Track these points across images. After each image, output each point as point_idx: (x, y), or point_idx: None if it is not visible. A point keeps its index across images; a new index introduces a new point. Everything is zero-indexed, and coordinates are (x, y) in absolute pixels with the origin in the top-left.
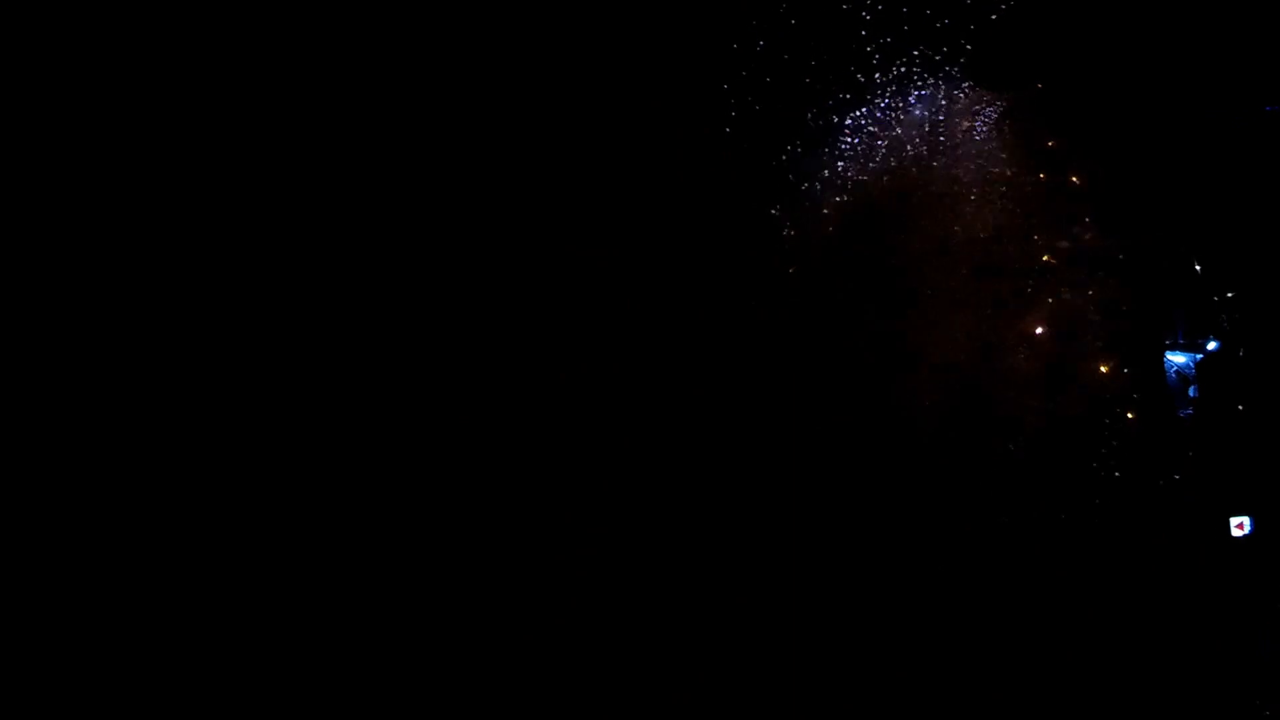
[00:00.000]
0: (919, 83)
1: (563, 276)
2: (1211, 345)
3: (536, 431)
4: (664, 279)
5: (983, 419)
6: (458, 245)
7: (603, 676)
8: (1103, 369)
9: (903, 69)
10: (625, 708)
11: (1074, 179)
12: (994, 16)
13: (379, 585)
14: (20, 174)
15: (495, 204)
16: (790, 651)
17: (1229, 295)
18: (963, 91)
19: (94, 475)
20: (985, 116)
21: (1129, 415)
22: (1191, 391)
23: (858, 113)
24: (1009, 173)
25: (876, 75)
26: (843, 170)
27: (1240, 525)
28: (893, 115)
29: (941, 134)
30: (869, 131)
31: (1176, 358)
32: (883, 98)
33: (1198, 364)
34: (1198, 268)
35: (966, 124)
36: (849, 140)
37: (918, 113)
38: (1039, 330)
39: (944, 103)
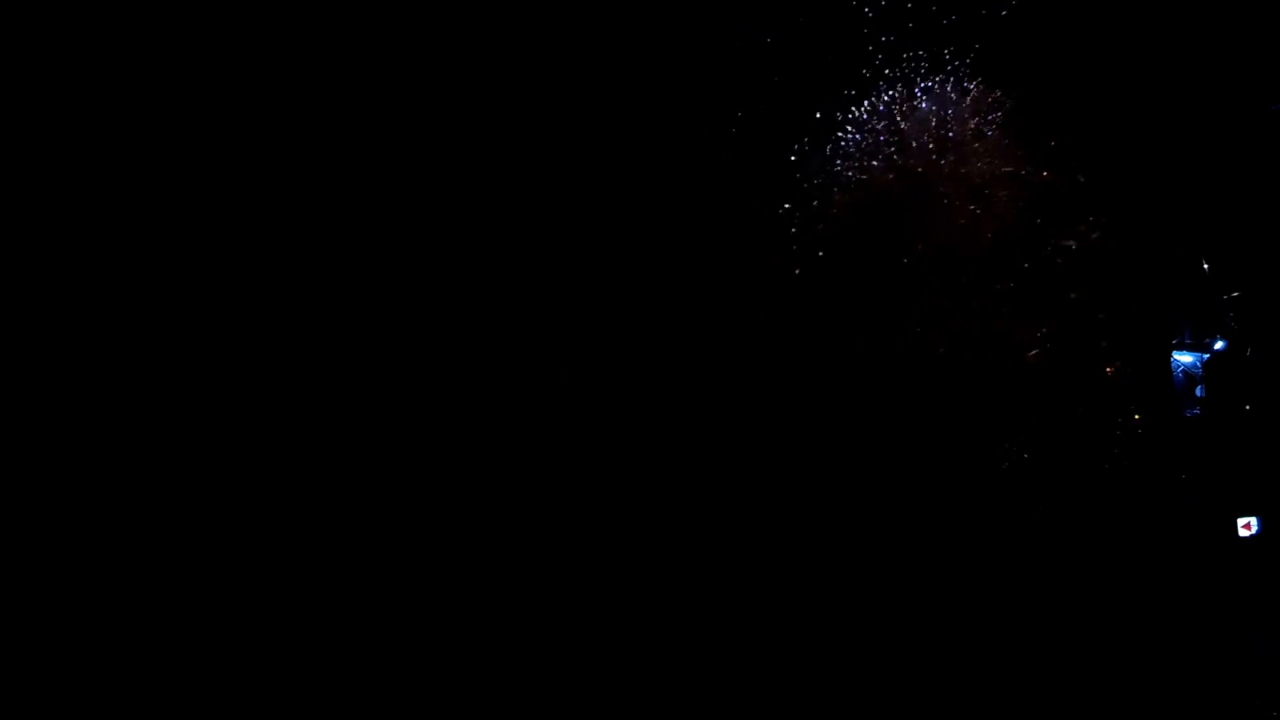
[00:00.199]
0: (924, 81)
1: (563, 276)
2: (1218, 345)
3: (536, 431)
4: (664, 279)
5: (988, 418)
6: (458, 245)
7: (603, 676)
8: (1109, 368)
9: (908, 67)
10: (625, 708)
11: (1080, 178)
12: (1002, 13)
13: (378, 585)
14: (20, 174)
15: (495, 204)
16: (792, 651)
17: (1235, 295)
18: (969, 90)
19: (93, 475)
20: (992, 115)
21: (1135, 415)
22: (1198, 391)
23: (861, 111)
24: (1015, 171)
25: (882, 73)
26: (846, 170)
27: (1247, 525)
28: (897, 114)
29: (947, 133)
30: (873, 130)
31: (1183, 357)
32: (887, 96)
33: (1204, 363)
34: (1205, 266)
35: (973, 123)
36: (852, 139)
37: (923, 111)
38: (1045, 330)
39: (950, 101)
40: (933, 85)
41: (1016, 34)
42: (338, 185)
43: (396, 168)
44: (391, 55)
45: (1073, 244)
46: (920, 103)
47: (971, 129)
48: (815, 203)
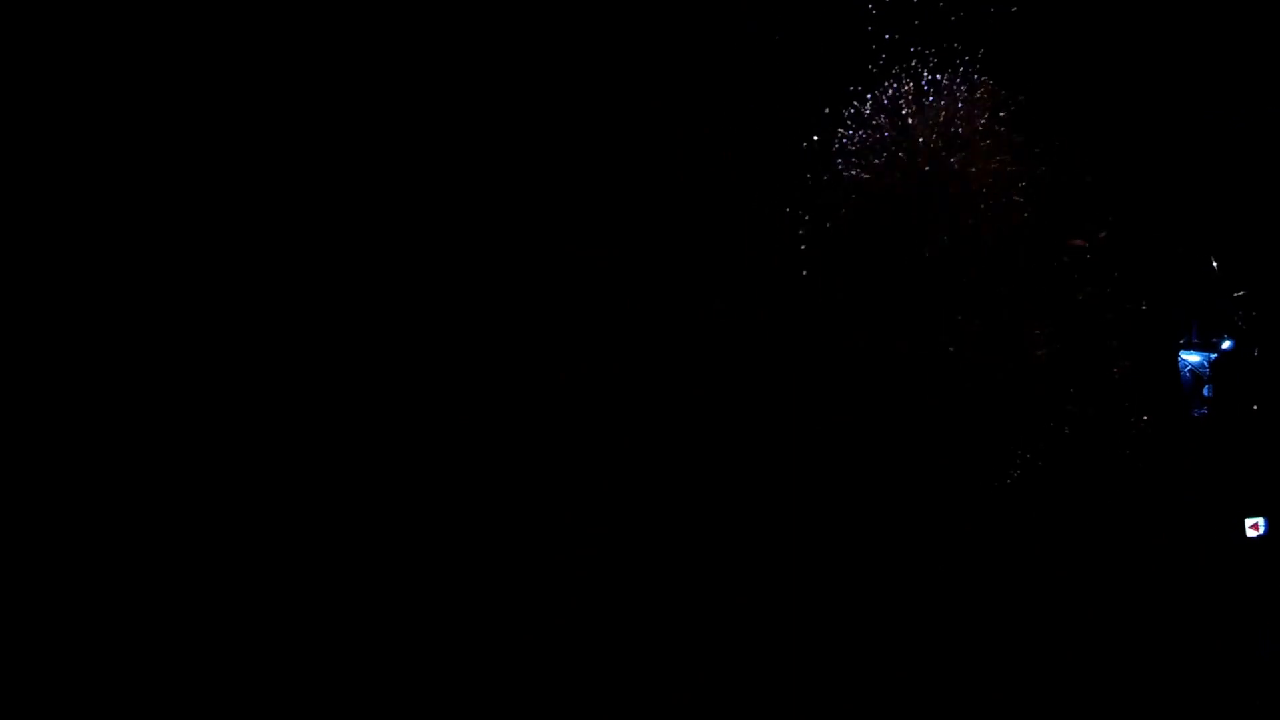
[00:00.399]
0: (929, 81)
1: (563, 276)
2: (1226, 344)
3: (536, 431)
4: (665, 279)
5: (995, 418)
6: (458, 245)
7: (603, 676)
8: (1116, 368)
9: (913, 67)
10: (625, 708)
11: (1088, 177)
12: (1013, 9)
13: (378, 585)
14: (20, 174)
15: (495, 204)
16: (794, 652)
17: (1243, 294)
18: (975, 89)
19: (93, 475)
20: (998, 114)
21: (1143, 415)
22: (1206, 391)
23: (864, 110)
24: (1022, 171)
25: (887, 72)
26: (849, 169)
27: (1255, 525)
28: (902, 113)
29: (952, 132)
30: (876, 130)
31: (1191, 357)
32: (892, 95)
33: (1212, 363)
34: (1215, 265)
35: (979, 122)
36: (855, 139)
37: (928, 111)
38: (1052, 329)
39: (956, 100)
40: (938, 85)
41: (1024, 32)
42: (337, 185)
43: (396, 168)
44: (390, 55)
45: (1080, 243)
46: (925, 102)
47: (977, 128)
48: (819, 202)
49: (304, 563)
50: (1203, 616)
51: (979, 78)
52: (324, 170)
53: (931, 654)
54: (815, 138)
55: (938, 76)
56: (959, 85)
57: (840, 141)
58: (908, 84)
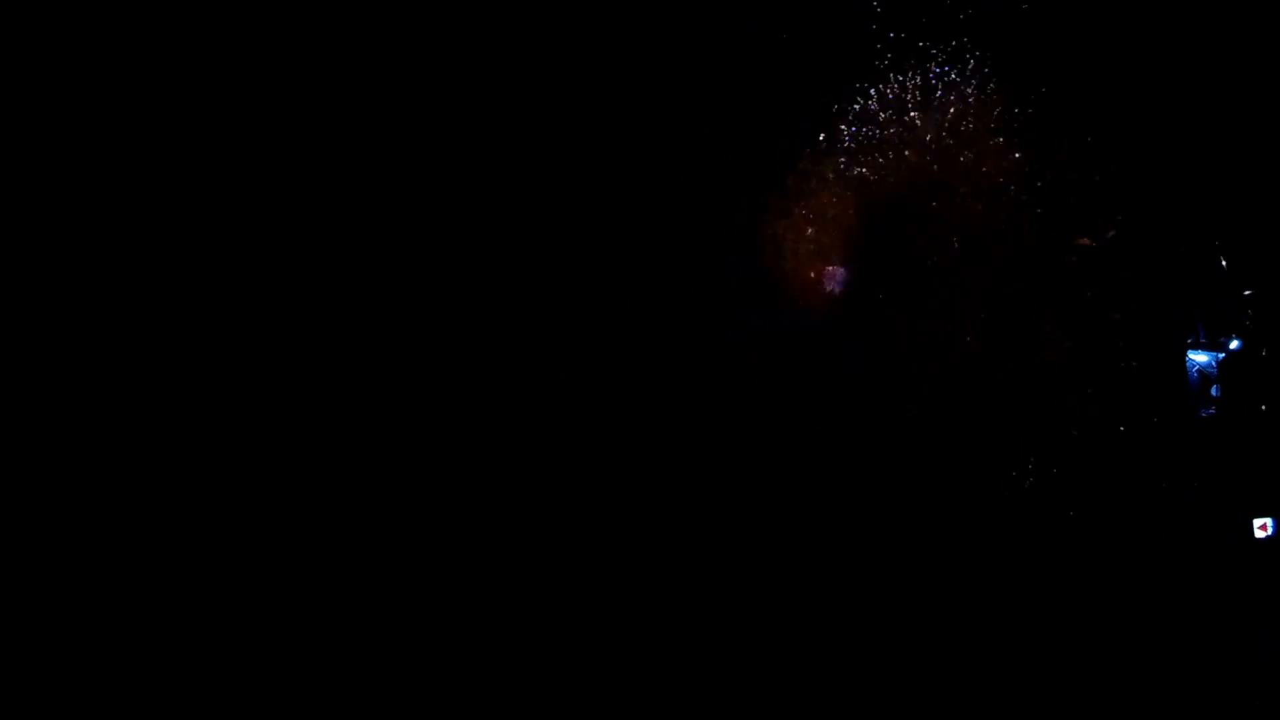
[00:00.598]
0: (935, 80)
1: (563, 276)
2: (1234, 344)
3: (536, 431)
4: (665, 279)
5: (1000, 419)
6: (458, 245)
7: (603, 676)
8: (1123, 368)
9: (918, 65)
10: (625, 708)
11: (1096, 176)
12: (1022, 7)
13: (377, 585)
14: (20, 174)
15: (495, 204)
16: (796, 652)
17: (1251, 294)
18: (982, 87)
19: (93, 475)
20: (1006, 112)
21: (1150, 415)
22: (1214, 391)
23: (869, 110)
24: (1029, 169)
25: (891, 71)
26: (853, 169)
27: (1264, 526)
28: (906, 112)
29: (959, 131)
30: (881, 129)
31: (1198, 356)
32: (895, 94)
33: (1220, 363)
34: (1224, 263)
35: (986, 120)
36: (860, 138)
37: (935, 110)
38: (1058, 329)
39: (963, 99)
40: (944, 83)
41: (1032, 29)
42: (336, 185)
43: (395, 168)
44: (390, 55)
45: (1087, 242)
46: (932, 101)
47: (985, 127)
48: (822, 202)
49: (304, 562)
50: (1204, 616)
51: (985, 77)
52: (323, 170)
53: (933, 653)
54: (820, 137)
55: (946, 68)
56: (971, 79)
57: (844, 140)
58: (915, 79)
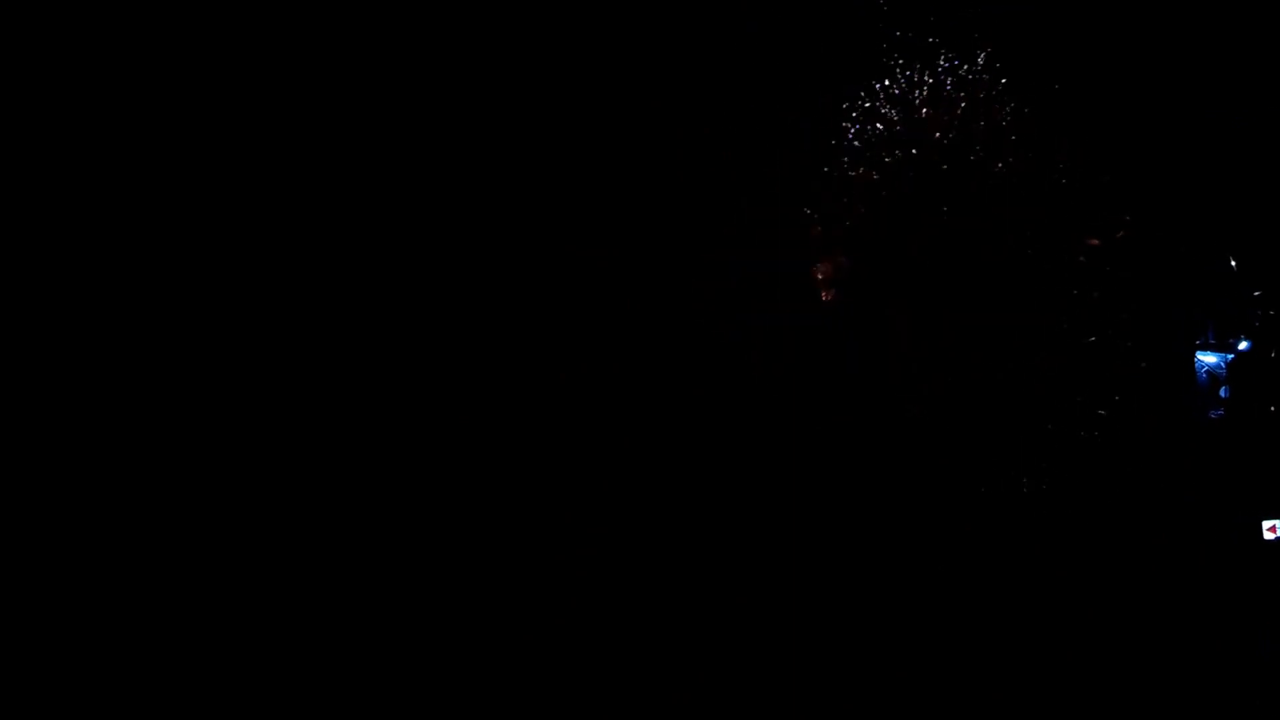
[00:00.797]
0: (944, 80)
1: (563, 276)
2: (1243, 345)
3: (536, 431)
4: (665, 279)
5: (1009, 417)
6: (458, 245)
7: (603, 676)
8: (1132, 368)
9: (925, 66)
10: (625, 708)
11: (1106, 176)
12: (1028, 8)
13: (378, 585)
14: (20, 174)
15: (496, 204)
16: (796, 650)
17: (1260, 294)
18: (992, 88)
19: (94, 475)
20: (1015, 112)
21: (1158, 416)
22: (1222, 392)
23: (874, 109)
24: (1039, 169)
25: (897, 70)
26: (858, 169)
27: (1273, 529)
28: (913, 112)
29: (968, 131)
30: (888, 129)
31: (1207, 357)
32: (901, 94)
33: (1229, 364)
34: (1233, 264)
35: (996, 119)
36: (864, 137)
37: (943, 110)
38: (1068, 328)
39: (972, 100)
40: (948, 84)
41: (1042, 29)
42: (337, 186)
43: (396, 169)
44: (390, 55)
45: (1096, 242)
46: (935, 102)
47: (994, 127)
48: (823, 202)
49: (304, 562)
50: (1206, 617)
51: (994, 77)
52: (323, 171)
53: (935, 652)
54: (821, 137)
55: (956, 61)
56: (976, 80)
57: (847, 138)
58: (918, 79)
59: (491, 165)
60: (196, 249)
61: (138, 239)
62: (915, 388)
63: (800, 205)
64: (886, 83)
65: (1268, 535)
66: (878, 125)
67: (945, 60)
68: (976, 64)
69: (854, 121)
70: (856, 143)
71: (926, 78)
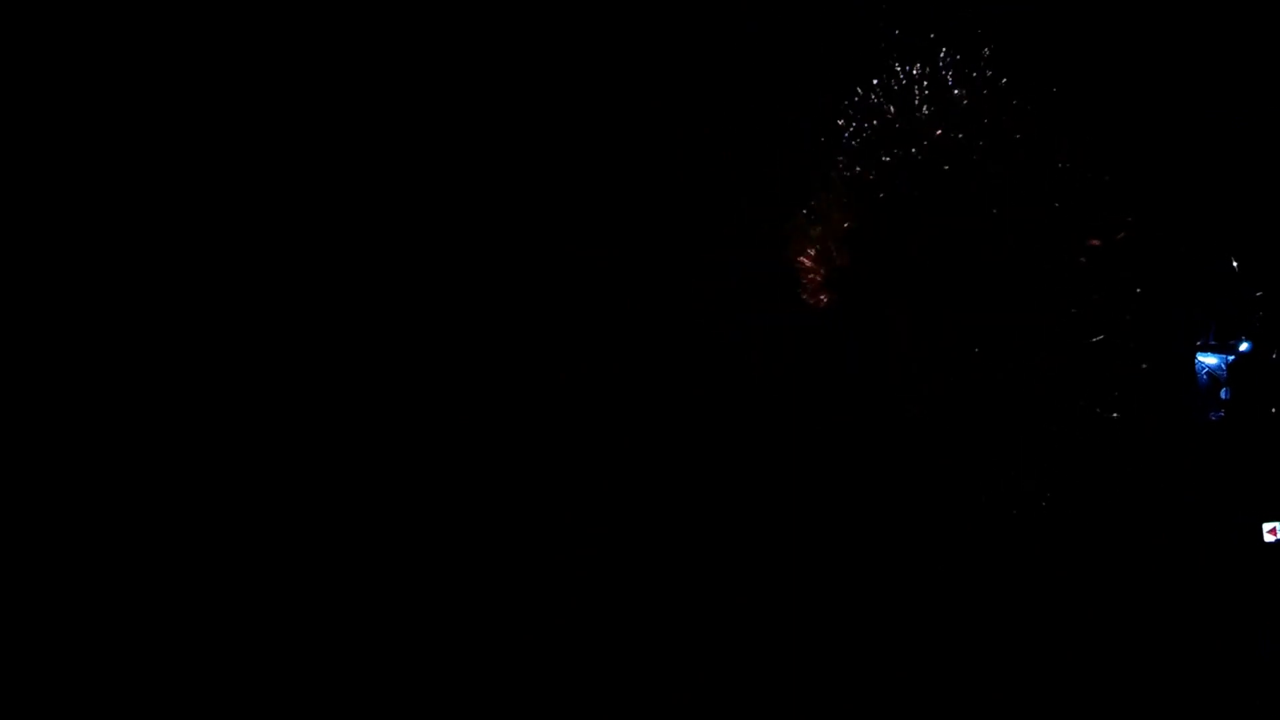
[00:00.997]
0: (943, 79)
1: (563, 276)
2: (1244, 346)
3: (537, 431)
4: (665, 280)
5: (1008, 419)
6: (459, 245)
7: (603, 676)
8: (1132, 370)
9: (925, 64)
10: (625, 708)
11: (1106, 176)
12: (1027, 7)
13: (378, 585)
14: (20, 174)
15: (496, 204)
16: (796, 650)
17: (1262, 295)
18: (991, 87)
19: (94, 475)
20: (1015, 112)
21: (1158, 417)
22: (1223, 393)
23: (873, 108)
24: (1038, 169)
25: (896, 70)
26: (857, 168)
27: (1273, 530)
28: (913, 112)
29: (968, 130)
30: (885, 128)
31: (1208, 359)
32: (900, 94)
33: (1229, 365)
34: (1234, 265)
35: (993, 118)
36: (864, 137)
37: (942, 109)
38: (1068, 329)
39: (972, 99)
40: (948, 84)
41: (1042, 28)
42: (337, 186)
43: (396, 169)
44: (391, 56)
45: (1097, 243)
46: (935, 102)
47: (991, 127)
48: (823, 202)
49: (305, 562)
50: (1206, 617)
51: (993, 76)
52: (323, 171)
53: (934, 652)
54: (821, 137)
55: (949, 69)
56: (977, 80)
57: (844, 139)
58: (918, 79)
59: (492, 165)
60: (197, 249)
61: (138, 239)
62: (915, 388)
63: (800, 205)
64: (887, 79)
65: (1268, 537)
66: (874, 122)
67: (945, 58)
68: (978, 62)
69: (850, 120)
70: (854, 142)
71: (926, 75)
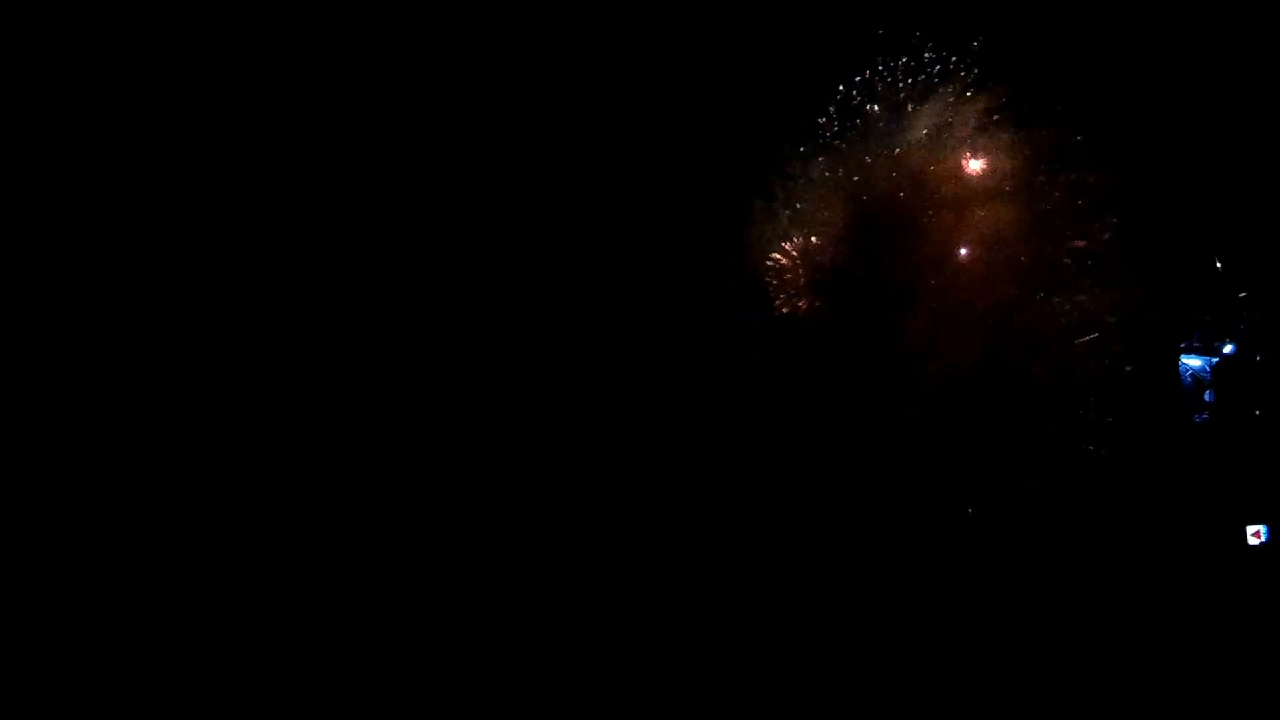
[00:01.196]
0: (929, 82)
1: (562, 276)
2: (1228, 349)
3: (537, 431)
4: (665, 280)
5: (995, 422)
6: (459, 245)
7: (603, 676)
8: (1117, 372)
9: (912, 67)
10: (626, 708)
11: (1090, 179)
12: (1011, 13)
13: (379, 585)
14: (20, 174)
15: (496, 204)
16: (796, 650)
17: (1245, 296)
18: (976, 90)
19: (94, 475)
20: (999, 115)
21: (1143, 420)
22: (1207, 396)
23: (872, 109)
24: (1023, 173)
25: (886, 73)
26: (847, 171)
27: (1257, 534)
28: (901, 115)
29: (953, 133)
30: (885, 128)
31: (1192, 361)
32: (892, 96)
33: (1213, 367)
34: (1219, 266)
35: (979, 124)
36: (854, 140)
37: (928, 112)
38: (1053, 333)
39: (957, 101)
40: (943, 85)
41: (1026, 32)
42: (338, 186)
43: (397, 169)
44: (391, 56)
45: (1081, 245)
46: (932, 102)
47: (978, 129)
48: (822, 202)
49: (305, 562)
50: (1203, 618)
51: (978, 79)
52: (324, 172)
53: (933, 652)
54: (815, 140)
55: (945, 70)
56: (970, 81)
57: (844, 140)
58: (915, 80)
59: (492, 165)
60: (197, 249)
61: (138, 239)
62: (915, 388)
63: (800, 205)
64: (881, 88)
65: (1251, 540)
66: (874, 129)
67: (936, 66)
68: (966, 68)
69: (833, 120)
70: (838, 142)
71: (916, 81)
